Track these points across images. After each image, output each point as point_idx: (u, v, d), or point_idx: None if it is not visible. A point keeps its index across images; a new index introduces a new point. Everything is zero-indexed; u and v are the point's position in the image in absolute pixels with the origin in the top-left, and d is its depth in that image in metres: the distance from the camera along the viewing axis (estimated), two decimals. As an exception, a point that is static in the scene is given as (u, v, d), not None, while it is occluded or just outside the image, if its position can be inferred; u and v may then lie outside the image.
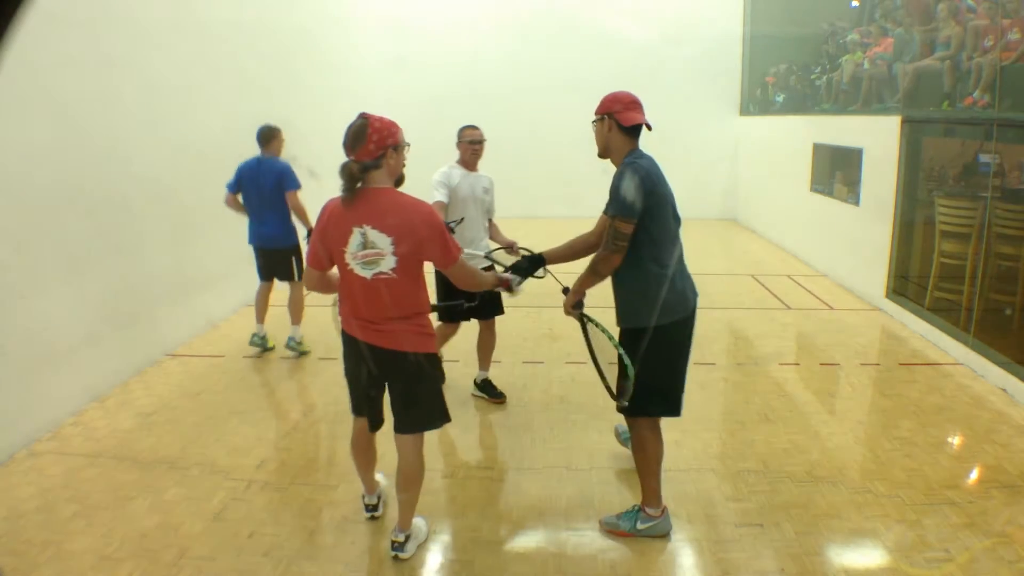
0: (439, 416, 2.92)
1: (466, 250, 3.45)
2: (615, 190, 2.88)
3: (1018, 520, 3.25)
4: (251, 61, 6.89)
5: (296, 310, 5.57)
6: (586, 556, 3.03)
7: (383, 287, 2.64)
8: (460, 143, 4.69)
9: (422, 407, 2.87)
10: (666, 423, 4.48)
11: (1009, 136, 5.33)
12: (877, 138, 7.01)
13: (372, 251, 2.61)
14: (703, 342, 5.89)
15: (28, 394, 4.05)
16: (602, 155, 3.14)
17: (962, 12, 6.14)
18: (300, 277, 5.37)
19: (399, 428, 2.89)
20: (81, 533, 3.16)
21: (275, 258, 5.40)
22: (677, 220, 3.05)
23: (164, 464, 3.82)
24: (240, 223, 5.37)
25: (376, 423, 3.07)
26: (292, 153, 5.55)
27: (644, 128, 3.11)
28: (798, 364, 5.56)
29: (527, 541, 3.17)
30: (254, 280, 5.57)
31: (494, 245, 4.53)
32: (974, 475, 3.75)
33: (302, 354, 5.57)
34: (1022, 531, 3.16)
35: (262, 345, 5.59)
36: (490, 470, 3.81)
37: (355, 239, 2.61)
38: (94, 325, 4.63)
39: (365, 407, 3.01)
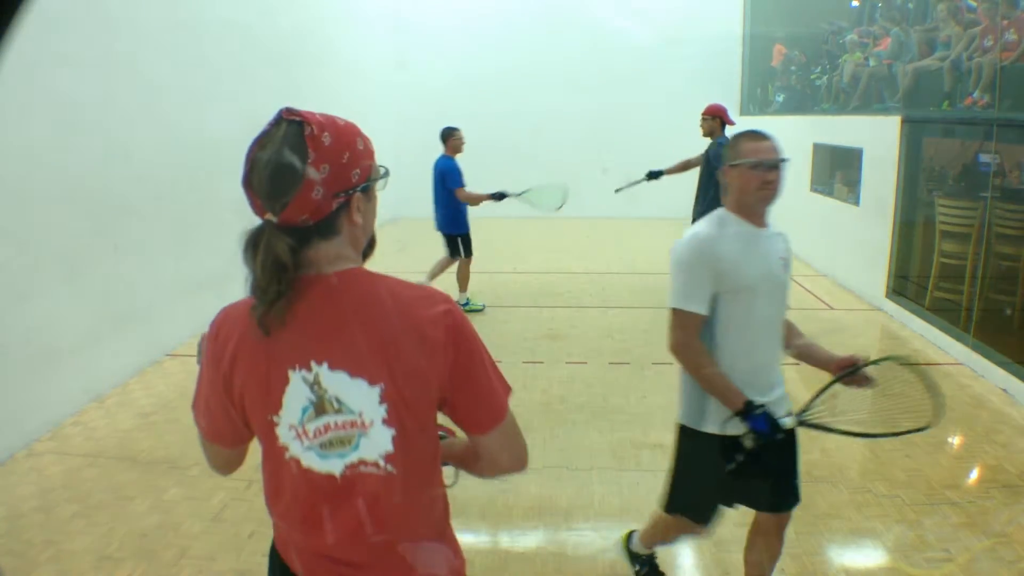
0: None
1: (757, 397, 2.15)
2: None
3: (1018, 520, 3.25)
4: (251, 61, 6.89)
5: (463, 280, 6.65)
6: (586, 556, 3.03)
7: (370, 493, 1.24)
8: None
9: None
10: (666, 422, 4.48)
11: (1009, 136, 5.33)
12: (877, 138, 7.01)
13: (337, 419, 1.21)
14: (703, 342, 5.89)
15: (28, 394, 4.05)
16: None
17: (962, 12, 6.14)
18: (465, 255, 6.63)
19: None
20: (81, 533, 3.16)
21: (447, 239, 6.60)
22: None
23: (164, 464, 3.82)
24: (237, 223, 5.38)
25: None
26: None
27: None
28: (798, 364, 5.55)
29: (527, 541, 3.18)
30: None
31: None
32: (974, 475, 3.75)
33: (477, 310, 6.59)
34: (1022, 531, 3.16)
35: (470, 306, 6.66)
36: (490, 470, 3.81)
37: (295, 395, 1.21)
38: (94, 325, 4.63)
39: None
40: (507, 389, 1.32)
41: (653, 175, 6.65)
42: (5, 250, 3.88)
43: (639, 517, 3.31)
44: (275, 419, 1.22)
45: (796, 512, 3.32)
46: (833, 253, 8.19)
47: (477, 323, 5.18)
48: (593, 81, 11.83)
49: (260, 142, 1.20)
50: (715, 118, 6.15)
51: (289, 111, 1.20)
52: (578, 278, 7.11)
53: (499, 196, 6.36)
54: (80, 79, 4.46)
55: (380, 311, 1.19)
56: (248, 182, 1.20)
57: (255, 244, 1.18)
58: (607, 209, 11.03)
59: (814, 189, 8.94)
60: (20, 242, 4.00)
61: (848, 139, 8.02)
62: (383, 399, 1.19)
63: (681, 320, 2.22)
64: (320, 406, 1.20)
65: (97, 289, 4.66)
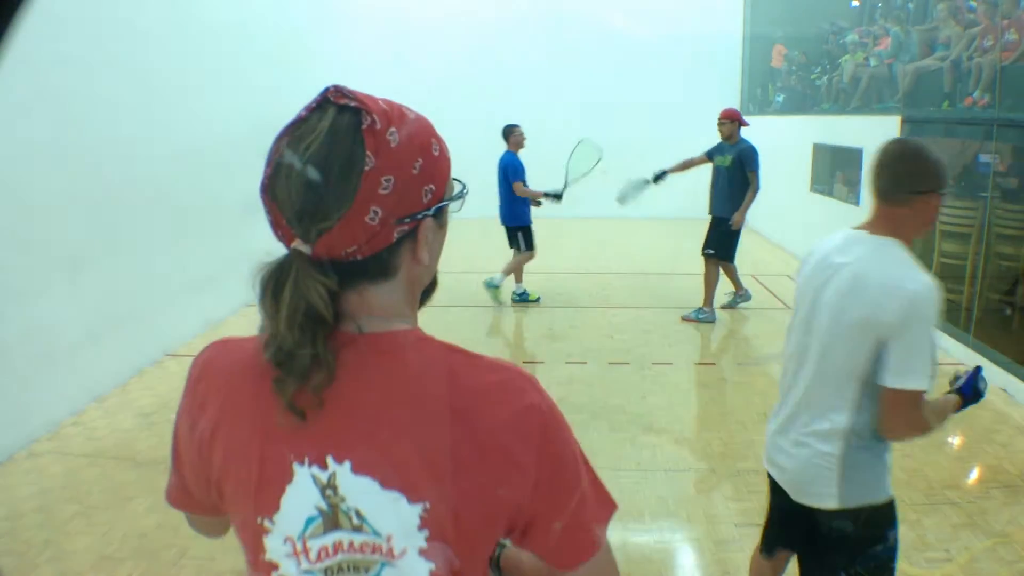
0: None
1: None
2: None
3: (1018, 520, 3.25)
4: (251, 61, 6.89)
5: (515, 271, 6.87)
6: (586, 556, 3.03)
7: None
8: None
9: None
10: (666, 422, 4.48)
11: (1009, 136, 5.33)
12: (877, 138, 6.96)
13: (354, 539, 0.84)
14: (703, 342, 5.90)
15: (28, 394, 4.05)
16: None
17: (962, 12, 6.14)
18: (524, 249, 6.82)
19: None
20: (81, 533, 3.16)
21: (508, 232, 6.84)
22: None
23: (164, 464, 3.77)
24: (237, 223, 5.37)
25: None
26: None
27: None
28: (798, 364, 5.56)
29: (527, 541, 3.17)
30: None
31: None
32: (974, 475, 3.76)
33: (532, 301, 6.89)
34: (1022, 531, 3.16)
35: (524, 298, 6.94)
36: (490, 470, 3.81)
37: (299, 498, 0.84)
38: (94, 325, 4.62)
39: None
40: (608, 509, 0.95)
41: (659, 177, 6.74)
42: (5, 250, 3.88)
43: (639, 517, 3.32)
44: (267, 524, 0.85)
45: (796, 512, 3.33)
46: (833, 253, 8.18)
47: (472, 322, 5.21)
48: (593, 81, 11.82)
49: (292, 133, 0.82)
50: (733, 121, 6.40)
51: (339, 91, 0.83)
52: (578, 278, 7.11)
53: (556, 196, 6.55)
54: (80, 79, 4.46)
55: (438, 400, 0.82)
56: (270, 192, 0.82)
57: (278, 286, 0.80)
58: (607, 209, 11.04)
59: (814, 189, 8.95)
60: (20, 242, 4.00)
61: (848, 139, 8.02)
62: (424, 523, 0.81)
63: (916, 400, 1.73)
64: (333, 518, 0.83)
65: (97, 289, 4.66)
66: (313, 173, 0.79)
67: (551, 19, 11.88)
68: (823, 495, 1.88)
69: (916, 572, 2.90)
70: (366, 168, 0.79)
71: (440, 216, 0.89)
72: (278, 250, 0.83)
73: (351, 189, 0.79)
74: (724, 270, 6.61)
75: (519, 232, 6.83)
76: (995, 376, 4.97)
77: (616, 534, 3.15)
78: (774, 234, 10.42)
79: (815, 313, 1.87)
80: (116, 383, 4.87)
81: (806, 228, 9.20)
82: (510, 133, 6.85)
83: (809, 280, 1.92)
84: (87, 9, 4.54)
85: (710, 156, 6.61)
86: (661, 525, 3.29)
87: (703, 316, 6.40)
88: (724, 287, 6.79)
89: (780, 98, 10.91)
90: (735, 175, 6.32)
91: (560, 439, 0.90)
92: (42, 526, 3.22)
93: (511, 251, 6.96)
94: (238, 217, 5.38)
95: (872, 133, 7.18)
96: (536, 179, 6.99)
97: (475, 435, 0.82)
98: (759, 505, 3.38)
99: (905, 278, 1.69)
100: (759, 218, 11.35)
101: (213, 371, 0.92)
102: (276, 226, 0.84)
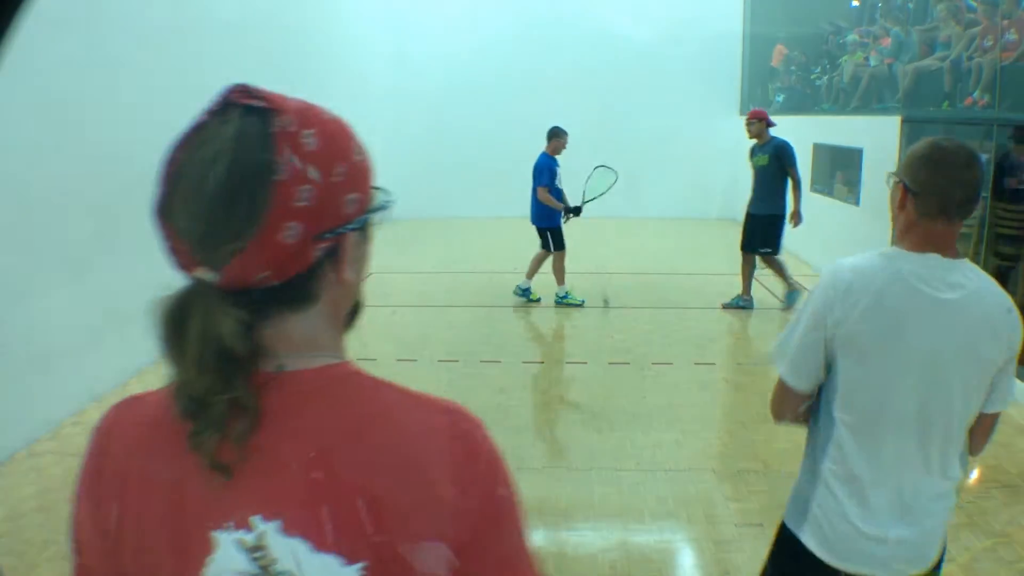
0: None
1: None
2: None
3: (1018, 520, 3.25)
4: (251, 61, 6.89)
5: (559, 273, 6.85)
6: (586, 556, 3.04)
7: None
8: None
9: None
10: (666, 422, 4.49)
11: (1009, 136, 5.33)
12: (877, 138, 7.01)
13: None
14: (703, 342, 5.91)
15: (28, 394, 4.05)
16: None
17: (962, 12, 6.15)
18: (554, 249, 6.81)
19: None
20: (81, 533, 3.16)
21: (538, 232, 6.88)
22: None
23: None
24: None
25: None
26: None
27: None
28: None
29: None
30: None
31: None
32: (974, 475, 3.75)
33: (576, 304, 6.83)
34: (1022, 531, 3.16)
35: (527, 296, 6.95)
36: (490, 470, 3.81)
37: (223, 567, 0.71)
38: (94, 325, 4.63)
39: None
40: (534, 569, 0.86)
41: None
42: (5, 250, 3.88)
43: (639, 517, 3.32)
44: None
45: (796, 512, 3.33)
46: (833, 253, 8.16)
47: (472, 322, 5.20)
48: (593, 81, 11.83)
49: (190, 142, 0.73)
50: (760, 121, 6.60)
51: (244, 90, 0.74)
52: (578, 278, 7.11)
53: (575, 210, 6.72)
54: (80, 79, 4.46)
55: (375, 447, 0.72)
56: (166, 213, 0.71)
57: (181, 323, 0.69)
58: (607, 209, 11.04)
59: (814, 189, 8.94)
60: (20, 242, 4.00)
61: (848, 139, 8.02)
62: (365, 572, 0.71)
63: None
64: None
65: (97, 289, 4.66)
66: (217, 187, 0.68)
67: (552, 20, 11.89)
68: (929, 556, 1.73)
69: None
70: (278, 178, 0.68)
71: (365, 229, 0.79)
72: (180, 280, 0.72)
73: (262, 204, 0.67)
74: (769, 264, 6.72)
75: (548, 232, 6.84)
76: (995, 376, 4.97)
77: (616, 534, 3.17)
78: (774, 234, 10.43)
79: (935, 361, 1.53)
80: (116, 383, 4.87)
81: (806, 228, 9.20)
82: (551, 136, 6.87)
83: (899, 326, 1.53)
84: (87, 9, 4.55)
85: (751, 156, 6.82)
86: (661, 525, 3.29)
87: (742, 303, 6.68)
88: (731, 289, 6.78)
89: (780, 98, 10.91)
90: (772, 173, 6.53)
91: (505, 490, 0.79)
92: (42, 526, 3.22)
93: (538, 251, 6.98)
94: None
95: (872, 133, 7.20)
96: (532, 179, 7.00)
97: (417, 485, 0.72)
98: (759, 505, 3.39)
99: (1007, 299, 1.57)
100: (759, 218, 11.37)
101: (117, 439, 0.79)
102: (175, 252, 0.71)
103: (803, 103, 10.02)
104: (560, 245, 6.85)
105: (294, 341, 0.74)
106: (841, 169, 8.29)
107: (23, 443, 3.97)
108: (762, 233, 6.60)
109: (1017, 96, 5.16)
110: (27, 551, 3.03)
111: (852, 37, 8.58)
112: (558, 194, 6.83)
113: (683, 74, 11.86)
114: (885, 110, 7.24)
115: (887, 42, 7.52)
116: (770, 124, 6.63)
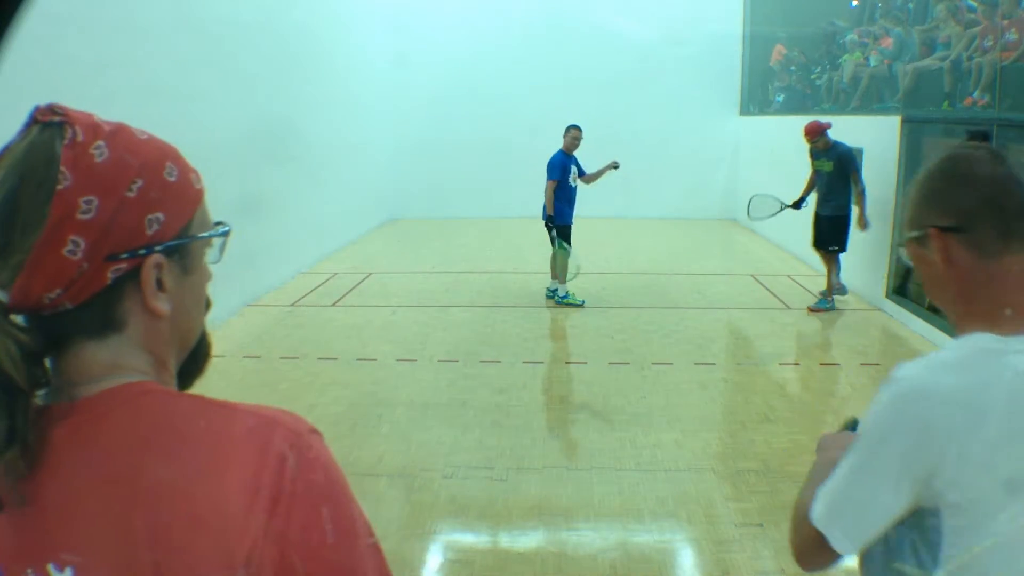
0: None
1: None
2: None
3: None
4: (251, 61, 6.89)
5: (561, 270, 6.89)
6: (586, 556, 3.04)
7: None
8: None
9: None
10: (666, 422, 4.49)
11: (1009, 136, 5.33)
12: (877, 138, 7.01)
13: None
14: (703, 342, 5.91)
15: (28, 394, 4.05)
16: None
17: (962, 12, 6.15)
18: (557, 247, 6.83)
19: None
20: (81, 533, 3.16)
21: (546, 229, 6.94)
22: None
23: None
24: (238, 222, 5.39)
25: None
26: (293, 153, 5.57)
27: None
28: (798, 364, 5.57)
29: (527, 541, 3.18)
30: (254, 281, 5.58)
31: None
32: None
33: (576, 304, 6.84)
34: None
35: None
36: (490, 470, 3.81)
37: None
38: None
39: None
40: None
41: (798, 204, 7.30)
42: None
43: (639, 517, 3.32)
44: None
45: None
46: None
47: (472, 322, 5.19)
48: (593, 81, 11.83)
49: None
50: (823, 134, 6.81)
51: (49, 108, 0.71)
52: (578, 278, 7.12)
53: (561, 222, 6.86)
54: (80, 79, 4.46)
55: (166, 468, 0.65)
56: None
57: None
58: (607, 209, 11.05)
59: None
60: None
61: (848, 139, 8.01)
62: None
63: None
64: None
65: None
66: (2, 202, 0.66)
67: (552, 20, 11.89)
68: None
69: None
70: (59, 187, 0.66)
71: (184, 258, 0.73)
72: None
73: (42, 215, 0.65)
74: (828, 262, 6.86)
75: (554, 229, 6.86)
76: (995, 376, 4.97)
77: (616, 534, 3.17)
78: (774, 234, 10.42)
79: None
80: None
81: (806, 228, 9.21)
82: (566, 132, 6.85)
83: None
84: (87, 9, 4.55)
85: (814, 159, 7.01)
86: (661, 525, 3.29)
87: (827, 305, 6.75)
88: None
89: (780, 98, 10.91)
90: (836, 177, 6.74)
91: (325, 501, 0.68)
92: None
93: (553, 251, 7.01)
94: (238, 216, 5.39)
95: (872, 133, 7.20)
96: (536, 178, 7.00)
97: (207, 521, 0.64)
98: (759, 505, 3.39)
99: None
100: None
101: None
102: None
103: (803, 103, 10.02)
104: (563, 243, 6.86)
105: (93, 370, 0.69)
106: (841, 169, 8.28)
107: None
108: (829, 231, 6.82)
109: (1017, 96, 5.16)
110: (27, 551, 3.03)
111: (852, 37, 8.58)
112: (571, 192, 6.83)
113: (683, 74, 11.86)
114: (885, 110, 7.24)
115: (888, 42, 7.52)
116: (828, 128, 6.85)
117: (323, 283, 7.65)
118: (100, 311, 0.69)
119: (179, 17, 5.66)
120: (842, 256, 7.83)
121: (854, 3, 9.02)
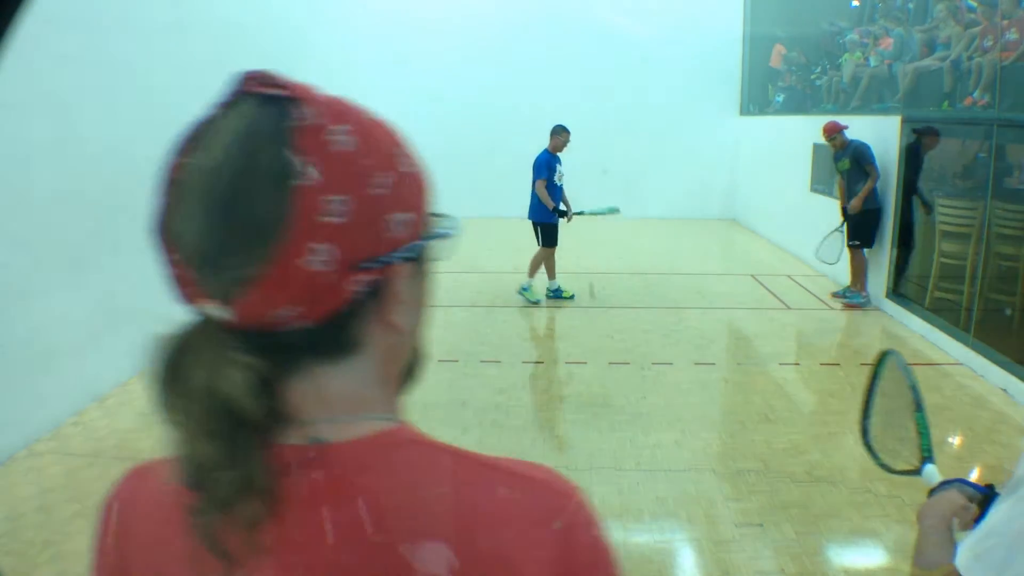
0: None
1: None
2: None
3: (1018, 520, 3.25)
4: (251, 61, 6.88)
5: (533, 266, 6.96)
6: (586, 556, 3.03)
7: None
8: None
9: None
10: (666, 422, 4.49)
11: (1009, 136, 5.34)
12: (877, 138, 7.02)
13: None
14: (703, 342, 5.91)
15: (28, 394, 4.05)
16: None
17: (962, 12, 6.15)
18: (542, 244, 6.92)
19: None
20: (81, 533, 3.16)
21: (533, 227, 6.98)
22: None
23: (164, 464, 3.82)
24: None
25: None
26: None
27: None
28: (798, 364, 5.57)
29: (527, 541, 3.18)
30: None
31: None
32: (974, 475, 3.76)
33: (533, 302, 6.89)
34: (1022, 531, 3.16)
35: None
36: (490, 470, 3.81)
37: None
38: (94, 325, 4.63)
39: None
40: None
41: (844, 222, 7.24)
42: (5, 250, 3.88)
43: (639, 517, 3.32)
44: None
45: (796, 512, 3.33)
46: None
47: (472, 322, 5.21)
48: (593, 81, 11.83)
49: (193, 143, 0.59)
50: (840, 132, 6.97)
51: (262, 77, 0.61)
52: (578, 278, 7.12)
53: (563, 213, 6.92)
54: (80, 79, 4.46)
55: (441, 536, 0.55)
56: (164, 229, 0.56)
57: (180, 372, 0.55)
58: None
59: (814, 189, 8.94)
60: (20, 242, 4.00)
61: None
62: None
63: None
64: None
65: (97, 289, 4.66)
66: (222, 197, 0.53)
67: (552, 19, 11.89)
68: None
69: (916, 572, 2.90)
70: (300, 183, 0.52)
71: (421, 261, 0.62)
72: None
73: (278, 216, 0.52)
74: (853, 258, 6.94)
75: (540, 227, 6.91)
76: (995, 376, 4.97)
77: (616, 534, 3.17)
78: (774, 234, 10.43)
79: None
80: (116, 383, 4.87)
81: (806, 228, 9.21)
82: (553, 134, 6.96)
83: None
84: (87, 9, 4.55)
85: (836, 161, 7.10)
86: (661, 525, 3.29)
87: (861, 300, 6.85)
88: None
89: (780, 98, 10.91)
90: (855, 173, 6.83)
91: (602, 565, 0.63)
92: (42, 526, 3.22)
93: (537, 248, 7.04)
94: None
95: (872, 133, 7.20)
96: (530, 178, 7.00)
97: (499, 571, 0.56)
98: (759, 505, 3.39)
99: None
100: (759, 218, 11.38)
101: (133, 516, 0.63)
102: (178, 280, 0.56)
103: (803, 103, 10.02)
104: (550, 242, 6.89)
105: (330, 402, 0.58)
106: (841, 169, 8.28)
107: (23, 443, 3.97)
108: (852, 228, 6.88)
109: (1017, 96, 5.16)
110: (27, 551, 3.03)
111: (852, 37, 8.58)
112: (557, 192, 6.83)
113: (683, 74, 11.86)
114: (885, 110, 7.24)
115: (888, 43, 7.52)
116: (845, 128, 6.98)
117: (323, 283, 7.62)
118: (339, 330, 0.57)
119: (178, 17, 5.66)
120: (841, 254, 7.85)
121: (854, 3, 9.02)
